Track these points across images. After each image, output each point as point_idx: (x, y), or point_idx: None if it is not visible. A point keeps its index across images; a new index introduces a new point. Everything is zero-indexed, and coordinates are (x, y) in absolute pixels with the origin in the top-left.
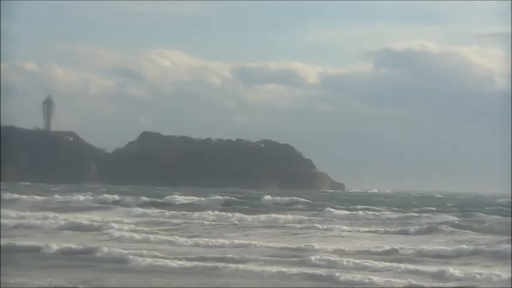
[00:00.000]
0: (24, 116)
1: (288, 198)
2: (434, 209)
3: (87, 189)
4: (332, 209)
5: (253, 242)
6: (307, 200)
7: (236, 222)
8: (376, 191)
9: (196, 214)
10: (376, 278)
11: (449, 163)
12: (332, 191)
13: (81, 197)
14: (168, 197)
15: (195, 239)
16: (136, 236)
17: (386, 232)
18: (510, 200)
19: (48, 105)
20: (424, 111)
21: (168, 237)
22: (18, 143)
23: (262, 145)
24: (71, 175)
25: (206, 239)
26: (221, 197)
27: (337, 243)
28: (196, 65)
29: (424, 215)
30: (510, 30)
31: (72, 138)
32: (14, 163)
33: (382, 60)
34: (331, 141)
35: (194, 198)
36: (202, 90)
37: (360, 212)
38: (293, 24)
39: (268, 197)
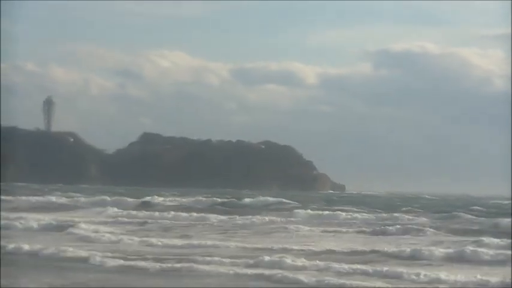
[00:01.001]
0: (25, 116)
1: (275, 199)
2: (421, 210)
3: (81, 190)
4: (304, 211)
5: (217, 243)
6: (293, 202)
7: (211, 223)
8: (371, 192)
9: (172, 214)
10: (314, 278)
11: (449, 164)
12: (331, 192)
13: (53, 198)
14: (150, 198)
15: (157, 239)
16: (97, 235)
17: (355, 232)
18: (500, 202)
19: (48, 105)
20: (424, 112)
21: (131, 237)
22: (19, 144)
23: (263, 146)
24: (72, 176)
25: (167, 239)
26: (204, 198)
27: (297, 244)
28: (196, 66)
29: (407, 216)
30: (510, 32)
31: (72, 139)
32: (14, 164)
33: (382, 61)
34: (332, 142)
35: (181, 200)
36: (202, 90)
37: (339, 212)
38: (293, 25)
39: (260, 198)
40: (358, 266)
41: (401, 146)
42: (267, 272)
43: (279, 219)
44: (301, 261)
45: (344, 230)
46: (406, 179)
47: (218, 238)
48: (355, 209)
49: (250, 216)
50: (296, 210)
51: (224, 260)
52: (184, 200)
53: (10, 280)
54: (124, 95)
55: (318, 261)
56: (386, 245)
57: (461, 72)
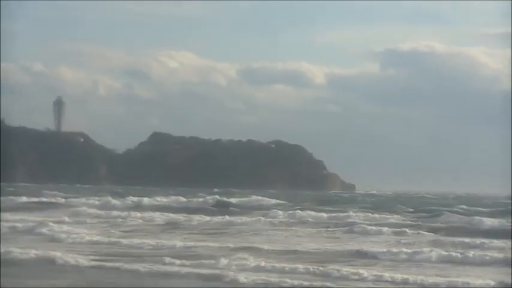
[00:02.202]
0: (34, 117)
1: (278, 201)
2: (411, 209)
3: (82, 190)
4: (278, 211)
5: (178, 243)
6: (281, 202)
7: (186, 223)
8: (380, 192)
9: (149, 214)
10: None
11: (456, 163)
12: (335, 192)
13: (24, 198)
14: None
15: (116, 239)
16: (62, 236)
17: (323, 232)
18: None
19: (58, 105)
20: (431, 111)
21: (94, 237)
22: (29, 144)
23: (273, 146)
24: (82, 176)
25: (129, 240)
26: (201, 199)
27: (251, 242)
28: (203, 66)
29: (395, 215)
30: (510, 31)
31: (82, 139)
32: (25, 164)
33: (389, 61)
34: (340, 142)
35: (177, 199)
36: (209, 90)
37: (323, 214)
38: (300, 25)
39: (252, 198)
40: (300, 266)
41: (408, 146)
42: (204, 270)
43: (253, 218)
44: (248, 261)
45: (314, 230)
46: (415, 179)
47: (182, 239)
48: (339, 209)
49: (227, 217)
50: (274, 210)
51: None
52: (175, 200)
53: None
54: (132, 95)
55: (263, 262)
56: (343, 244)
57: (468, 71)
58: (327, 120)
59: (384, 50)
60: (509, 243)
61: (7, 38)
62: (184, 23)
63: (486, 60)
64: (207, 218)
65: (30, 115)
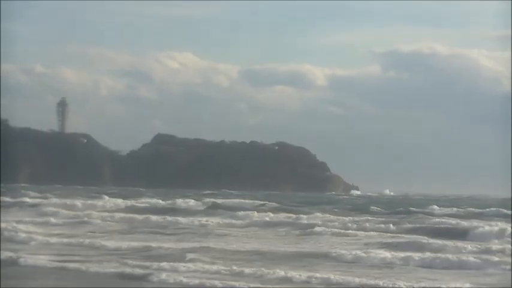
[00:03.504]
0: (36, 118)
1: (261, 202)
2: (385, 211)
3: (76, 191)
4: (253, 212)
5: (132, 243)
6: (275, 204)
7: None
8: (372, 194)
9: (121, 215)
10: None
11: (458, 164)
12: (333, 193)
13: (27, 198)
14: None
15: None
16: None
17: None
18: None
19: (62, 107)
20: (433, 112)
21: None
22: (33, 145)
23: (276, 147)
24: (86, 177)
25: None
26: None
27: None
28: (205, 67)
29: (368, 217)
30: (510, 33)
31: (86, 140)
32: (29, 165)
33: (390, 62)
34: (343, 143)
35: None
36: (211, 91)
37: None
38: (301, 27)
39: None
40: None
41: (410, 147)
42: (127, 269)
43: (226, 221)
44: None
45: (268, 230)
46: (417, 180)
47: (143, 239)
48: (310, 211)
49: (205, 218)
50: (239, 212)
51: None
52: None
53: None
54: (134, 97)
55: (206, 264)
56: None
57: (470, 73)
58: (329, 121)
59: (385, 51)
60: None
61: (8, 39)
62: (185, 23)
63: (487, 62)
64: (195, 221)
65: (33, 116)
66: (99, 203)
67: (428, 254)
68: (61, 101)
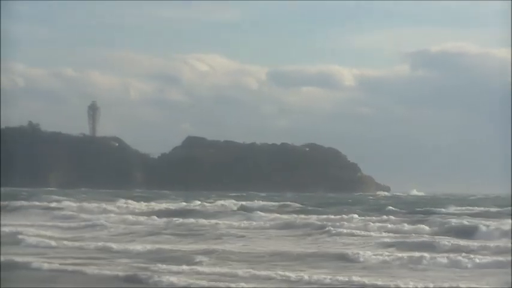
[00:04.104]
0: (66, 121)
1: (285, 203)
2: (404, 211)
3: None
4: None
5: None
6: (299, 206)
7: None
8: (401, 194)
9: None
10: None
11: (489, 163)
12: (361, 194)
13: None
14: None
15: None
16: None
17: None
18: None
19: (93, 110)
20: (462, 112)
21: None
22: (64, 149)
23: (307, 149)
24: (117, 181)
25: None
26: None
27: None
28: (233, 69)
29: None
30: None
31: (117, 144)
32: (61, 169)
33: (420, 62)
34: (373, 144)
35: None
36: (240, 93)
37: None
38: (329, 28)
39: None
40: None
41: (440, 147)
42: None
43: (227, 222)
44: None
45: (281, 231)
46: (446, 180)
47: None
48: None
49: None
50: (257, 214)
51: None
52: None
53: None
54: (163, 99)
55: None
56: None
57: (499, 72)
58: (359, 122)
59: (414, 51)
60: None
61: (37, 43)
62: (214, 26)
63: None
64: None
65: (63, 120)
66: (116, 206)
67: (425, 255)
68: (92, 105)
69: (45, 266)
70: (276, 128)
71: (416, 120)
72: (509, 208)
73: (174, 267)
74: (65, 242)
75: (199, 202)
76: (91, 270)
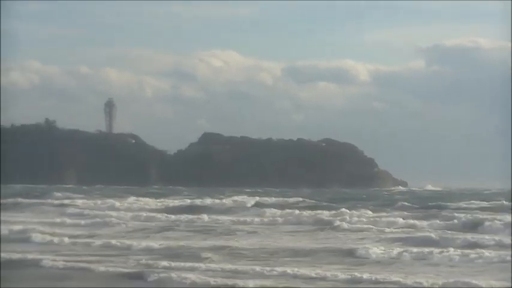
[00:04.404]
0: (82, 119)
1: (299, 199)
2: (416, 206)
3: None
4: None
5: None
6: (311, 202)
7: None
8: (417, 189)
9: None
10: None
11: (505, 159)
12: (385, 189)
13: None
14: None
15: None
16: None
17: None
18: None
19: (109, 107)
20: (477, 107)
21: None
22: (81, 146)
23: (324, 144)
24: (134, 177)
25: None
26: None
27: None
28: (248, 65)
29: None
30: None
31: (134, 141)
32: (78, 166)
33: (434, 57)
34: (389, 139)
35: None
36: (255, 89)
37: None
38: (343, 24)
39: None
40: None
41: (456, 141)
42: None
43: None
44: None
45: (287, 227)
46: (462, 175)
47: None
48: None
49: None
50: (267, 210)
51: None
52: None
53: None
54: (178, 96)
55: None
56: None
57: None
58: (374, 117)
59: (429, 46)
60: None
61: (53, 42)
62: (228, 22)
63: None
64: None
65: (79, 117)
66: (127, 203)
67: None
68: (108, 102)
69: (51, 263)
70: (291, 123)
71: (431, 115)
72: None
73: (183, 264)
74: (73, 240)
75: (212, 199)
76: (98, 267)
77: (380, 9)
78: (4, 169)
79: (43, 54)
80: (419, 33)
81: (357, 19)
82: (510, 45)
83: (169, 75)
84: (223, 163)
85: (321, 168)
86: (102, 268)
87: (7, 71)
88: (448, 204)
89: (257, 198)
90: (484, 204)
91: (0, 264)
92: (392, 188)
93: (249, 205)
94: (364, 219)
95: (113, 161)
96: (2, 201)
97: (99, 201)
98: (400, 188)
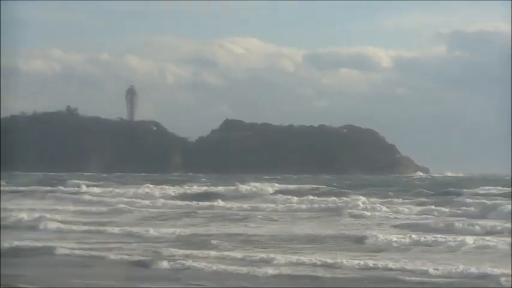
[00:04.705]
0: (104, 106)
1: (314, 186)
2: (429, 191)
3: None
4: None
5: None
6: (327, 188)
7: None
8: (438, 175)
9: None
10: None
11: None
12: (404, 176)
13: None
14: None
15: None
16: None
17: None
18: None
19: (131, 94)
20: (499, 92)
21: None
22: (103, 134)
23: (345, 130)
24: (155, 164)
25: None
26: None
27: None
28: (269, 52)
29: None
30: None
31: (155, 128)
32: (99, 153)
33: (456, 43)
34: (411, 125)
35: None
36: (277, 76)
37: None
38: (365, 9)
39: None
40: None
41: (478, 127)
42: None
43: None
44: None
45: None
46: (484, 161)
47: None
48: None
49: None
50: (277, 196)
51: None
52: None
53: None
54: (199, 83)
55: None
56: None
57: None
58: (396, 103)
59: (451, 32)
60: None
61: (75, 31)
62: (249, 9)
63: None
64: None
65: (101, 105)
66: (140, 190)
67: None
68: (130, 89)
69: (62, 251)
70: (313, 110)
71: (454, 101)
72: None
73: (195, 252)
74: (84, 227)
75: (227, 186)
76: (108, 255)
77: None
78: (26, 157)
79: (65, 42)
80: (441, 19)
81: (379, 4)
82: None
83: (190, 62)
84: (244, 150)
85: (343, 155)
86: (112, 256)
87: (29, 59)
88: (465, 190)
89: (275, 185)
90: (506, 190)
91: (0, 256)
92: (412, 175)
93: (264, 192)
94: (377, 206)
95: (134, 148)
96: (20, 188)
97: (115, 189)
98: (420, 174)
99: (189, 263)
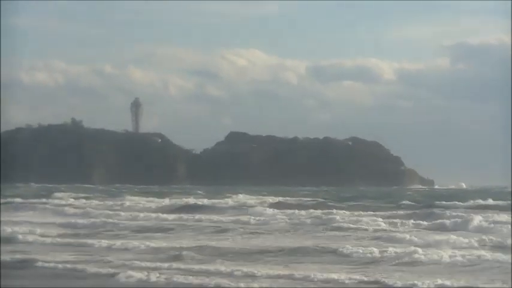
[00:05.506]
0: (108, 118)
1: (296, 199)
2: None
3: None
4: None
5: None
6: (316, 200)
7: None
8: (439, 187)
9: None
10: None
11: None
12: (414, 187)
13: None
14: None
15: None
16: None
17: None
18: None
19: (136, 107)
20: (502, 104)
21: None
22: (108, 146)
23: (350, 143)
24: (160, 176)
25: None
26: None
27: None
28: (272, 64)
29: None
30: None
31: (160, 140)
32: (104, 166)
33: (459, 55)
34: (415, 137)
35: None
36: (280, 88)
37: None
38: (367, 22)
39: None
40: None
41: (482, 139)
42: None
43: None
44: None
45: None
46: (488, 172)
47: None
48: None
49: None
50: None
51: None
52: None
53: None
54: (203, 95)
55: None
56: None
57: None
58: (400, 115)
59: (454, 44)
60: None
61: (77, 41)
62: (252, 21)
63: None
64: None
65: (105, 117)
66: (121, 202)
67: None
68: (135, 101)
69: (41, 264)
70: (317, 122)
71: (457, 113)
72: None
73: (163, 264)
74: (60, 240)
75: (212, 199)
76: (86, 268)
77: (405, 7)
78: (29, 169)
79: (68, 54)
80: (444, 31)
81: (382, 17)
82: None
83: (194, 74)
84: (249, 162)
85: (347, 167)
86: (91, 269)
87: (32, 71)
88: (448, 203)
89: (269, 199)
90: (498, 203)
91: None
92: (412, 187)
93: (248, 205)
94: (353, 219)
95: (139, 160)
96: (8, 200)
97: (105, 202)
98: (420, 186)
99: (154, 275)
